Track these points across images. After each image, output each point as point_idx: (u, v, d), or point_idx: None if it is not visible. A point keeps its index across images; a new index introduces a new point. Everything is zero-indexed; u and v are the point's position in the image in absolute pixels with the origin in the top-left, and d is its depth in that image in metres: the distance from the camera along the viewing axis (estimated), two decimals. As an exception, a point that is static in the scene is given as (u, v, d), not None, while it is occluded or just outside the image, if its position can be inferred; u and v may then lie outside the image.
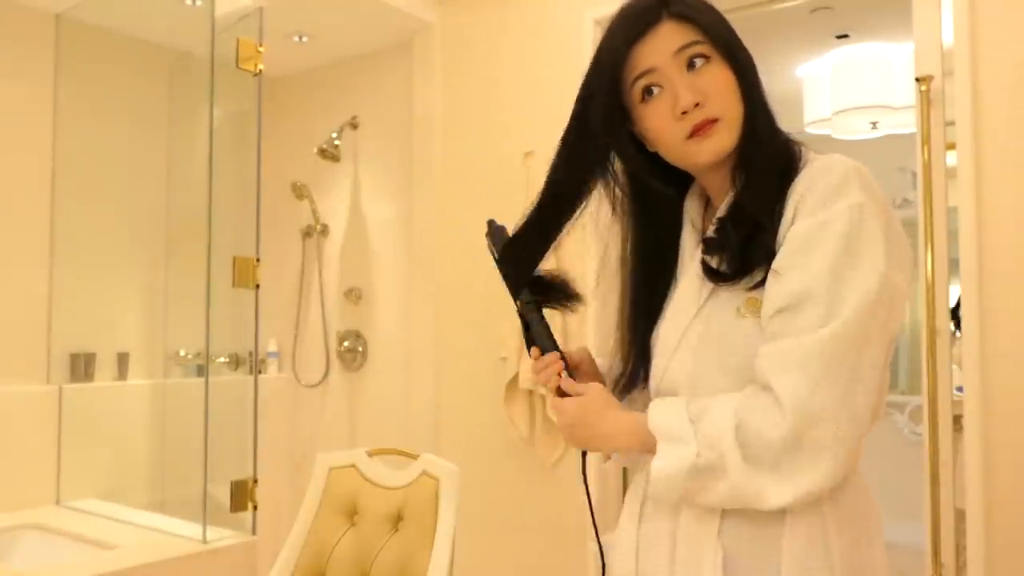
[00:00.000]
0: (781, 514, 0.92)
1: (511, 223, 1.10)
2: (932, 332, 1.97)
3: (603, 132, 1.01)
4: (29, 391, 2.56)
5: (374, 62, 3.18)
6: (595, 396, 1.02)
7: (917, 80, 2.01)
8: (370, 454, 1.87)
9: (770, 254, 0.93)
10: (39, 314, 2.62)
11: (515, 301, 1.09)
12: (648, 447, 0.95)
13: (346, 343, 3.19)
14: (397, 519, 1.76)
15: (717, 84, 0.96)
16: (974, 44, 1.93)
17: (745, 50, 1.00)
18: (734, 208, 1.00)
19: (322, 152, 3.09)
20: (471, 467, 2.02)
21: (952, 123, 1.96)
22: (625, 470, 1.05)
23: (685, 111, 0.95)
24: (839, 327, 0.86)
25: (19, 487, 2.49)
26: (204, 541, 2.16)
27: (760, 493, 0.88)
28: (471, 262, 2.81)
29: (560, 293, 1.09)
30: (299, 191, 3.28)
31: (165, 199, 2.89)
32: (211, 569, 2.14)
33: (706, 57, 0.97)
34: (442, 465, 1.75)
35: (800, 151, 1.00)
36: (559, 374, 1.05)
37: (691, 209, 1.10)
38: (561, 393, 1.05)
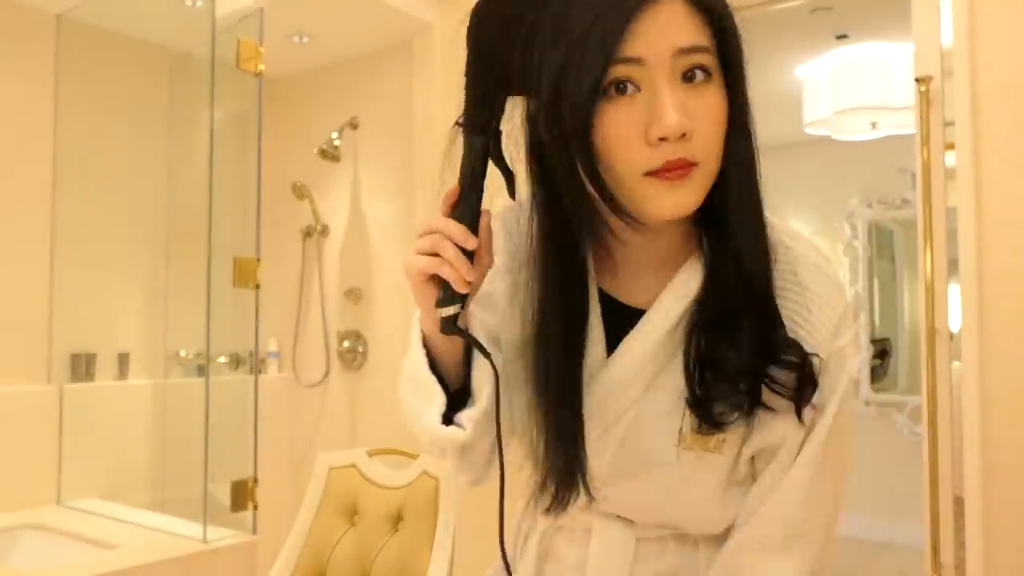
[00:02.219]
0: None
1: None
2: (932, 332, 1.97)
3: (579, 126, 0.70)
4: (29, 391, 2.56)
5: (374, 62, 3.18)
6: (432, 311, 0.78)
7: (917, 80, 2.01)
8: (370, 454, 1.87)
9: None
10: (40, 314, 2.62)
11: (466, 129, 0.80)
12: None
13: (346, 343, 3.19)
14: (397, 519, 1.76)
15: (711, 116, 0.70)
16: (974, 44, 1.93)
17: (747, 82, 0.74)
18: (720, 297, 0.75)
19: (322, 152, 3.09)
20: (471, 467, 2.01)
21: (951, 123, 1.96)
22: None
23: (664, 137, 0.68)
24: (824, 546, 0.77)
25: (19, 487, 2.49)
26: (204, 541, 2.17)
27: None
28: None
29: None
30: (299, 191, 3.28)
31: (165, 199, 2.90)
32: (211, 569, 2.14)
33: (709, 73, 0.70)
34: (442, 465, 1.75)
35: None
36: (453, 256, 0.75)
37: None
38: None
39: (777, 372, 0.73)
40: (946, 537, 1.94)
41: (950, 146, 1.97)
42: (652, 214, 0.71)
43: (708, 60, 0.70)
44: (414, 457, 1.81)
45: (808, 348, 0.74)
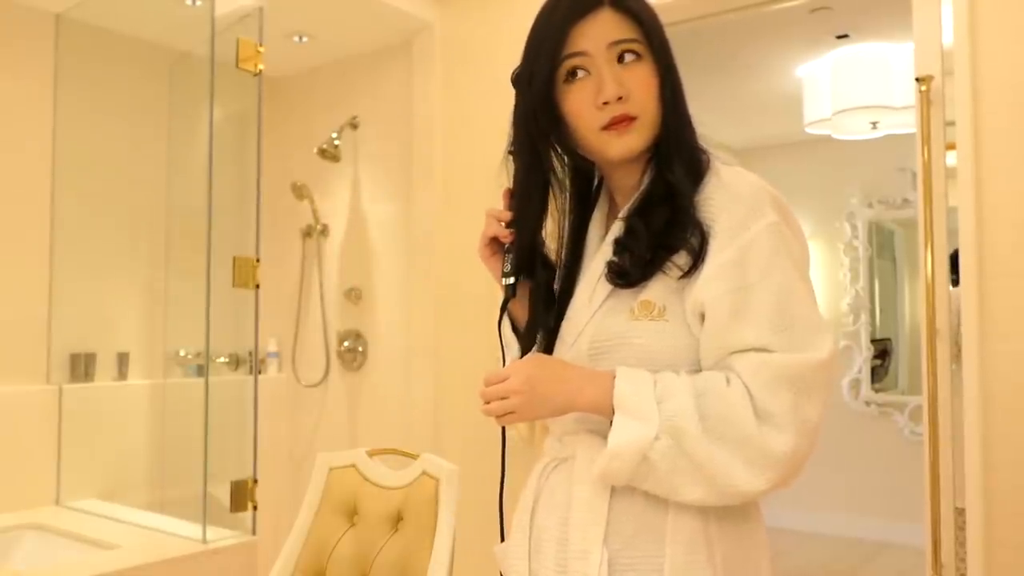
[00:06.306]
0: (662, 531, 0.94)
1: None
2: (932, 332, 1.97)
3: (542, 108, 1.01)
4: (29, 391, 2.56)
5: (374, 62, 3.18)
6: (545, 357, 1.02)
7: (917, 80, 2.01)
8: (370, 454, 1.87)
9: (667, 258, 0.96)
10: (39, 314, 2.62)
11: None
12: (605, 410, 0.94)
13: (346, 343, 3.19)
14: (397, 519, 1.76)
15: (642, 83, 0.98)
16: (974, 44, 1.93)
17: (673, 59, 1.03)
18: (641, 208, 1.00)
19: (322, 152, 3.09)
20: (471, 467, 2.02)
21: (952, 123, 1.96)
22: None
23: (607, 101, 0.97)
24: (817, 354, 0.90)
25: (19, 487, 2.49)
26: (204, 541, 2.16)
27: (726, 471, 0.88)
28: (471, 262, 2.80)
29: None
30: (299, 191, 3.28)
31: (165, 199, 2.89)
32: (211, 569, 2.14)
33: (637, 55, 0.99)
34: (442, 465, 1.75)
35: (707, 159, 1.02)
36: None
37: (599, 210, 1.11)
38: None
39: (679, 251, 0.95)
40: (947, 537, 1.93)
41: (951, 146, 1.97)
42: (611, 156, 1.00)
43: (636, 47, 0.99)
44: (414, 457, 1.81)
45: (722, 229, 0.94)
